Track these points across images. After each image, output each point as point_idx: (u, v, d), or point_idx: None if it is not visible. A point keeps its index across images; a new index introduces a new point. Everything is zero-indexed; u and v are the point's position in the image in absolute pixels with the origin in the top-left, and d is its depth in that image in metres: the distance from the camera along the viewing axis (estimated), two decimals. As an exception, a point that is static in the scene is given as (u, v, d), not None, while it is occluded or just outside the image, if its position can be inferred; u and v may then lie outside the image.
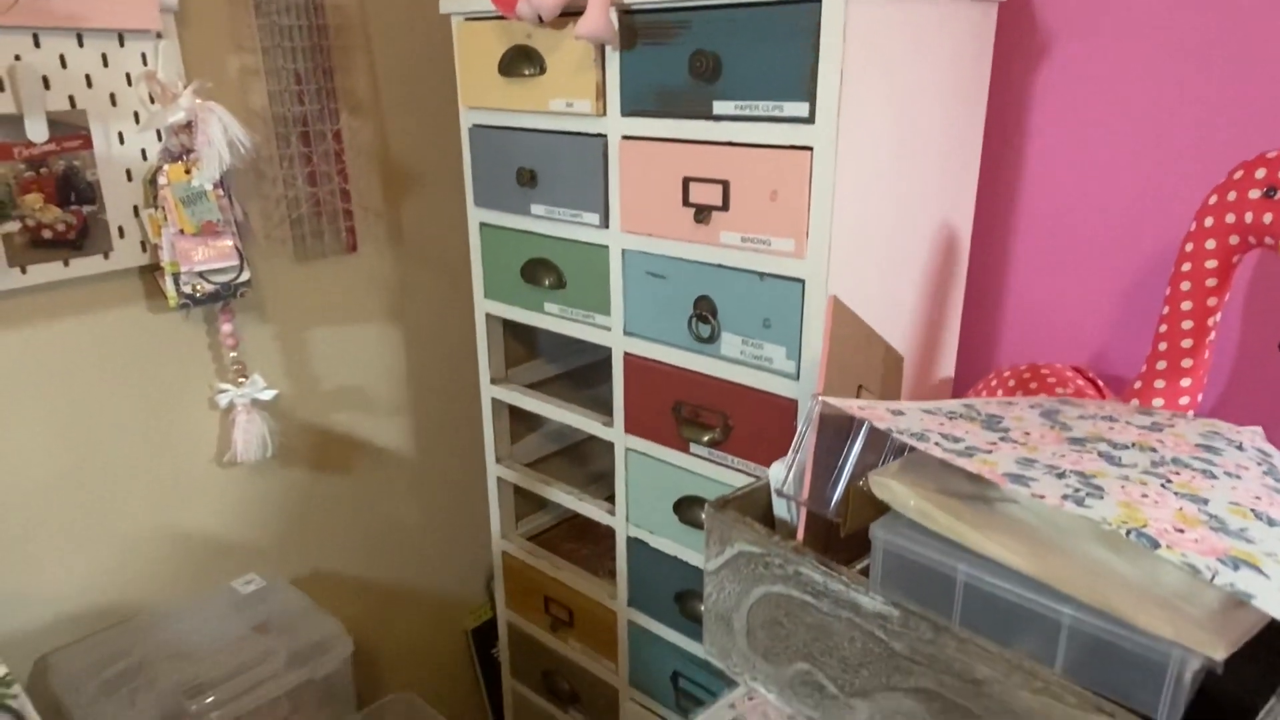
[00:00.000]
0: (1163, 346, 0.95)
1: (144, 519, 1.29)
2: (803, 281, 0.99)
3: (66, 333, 1.17)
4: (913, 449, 0.77)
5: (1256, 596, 0.50)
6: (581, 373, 1.58)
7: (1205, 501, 0.60)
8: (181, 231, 1.17)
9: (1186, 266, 0.93)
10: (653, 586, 1.30)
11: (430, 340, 1.61)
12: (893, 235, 1.04)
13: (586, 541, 1.58)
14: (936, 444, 0.66)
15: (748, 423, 1.09)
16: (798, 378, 1.01)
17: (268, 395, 1.33)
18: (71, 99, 1.10)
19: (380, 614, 1.68)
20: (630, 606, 1.36)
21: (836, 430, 0.79)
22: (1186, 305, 0.93)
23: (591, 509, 1.37)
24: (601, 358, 1.60)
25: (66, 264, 1.14)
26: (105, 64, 1.12)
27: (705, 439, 1.14)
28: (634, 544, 1.31)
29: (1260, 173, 0.86)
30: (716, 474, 1.14)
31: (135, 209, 1.18)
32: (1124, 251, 1.13)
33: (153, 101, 1.17)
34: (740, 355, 1.07)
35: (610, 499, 1.34)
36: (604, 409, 1.30)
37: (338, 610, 1.40)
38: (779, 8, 0.92)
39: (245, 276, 1.24)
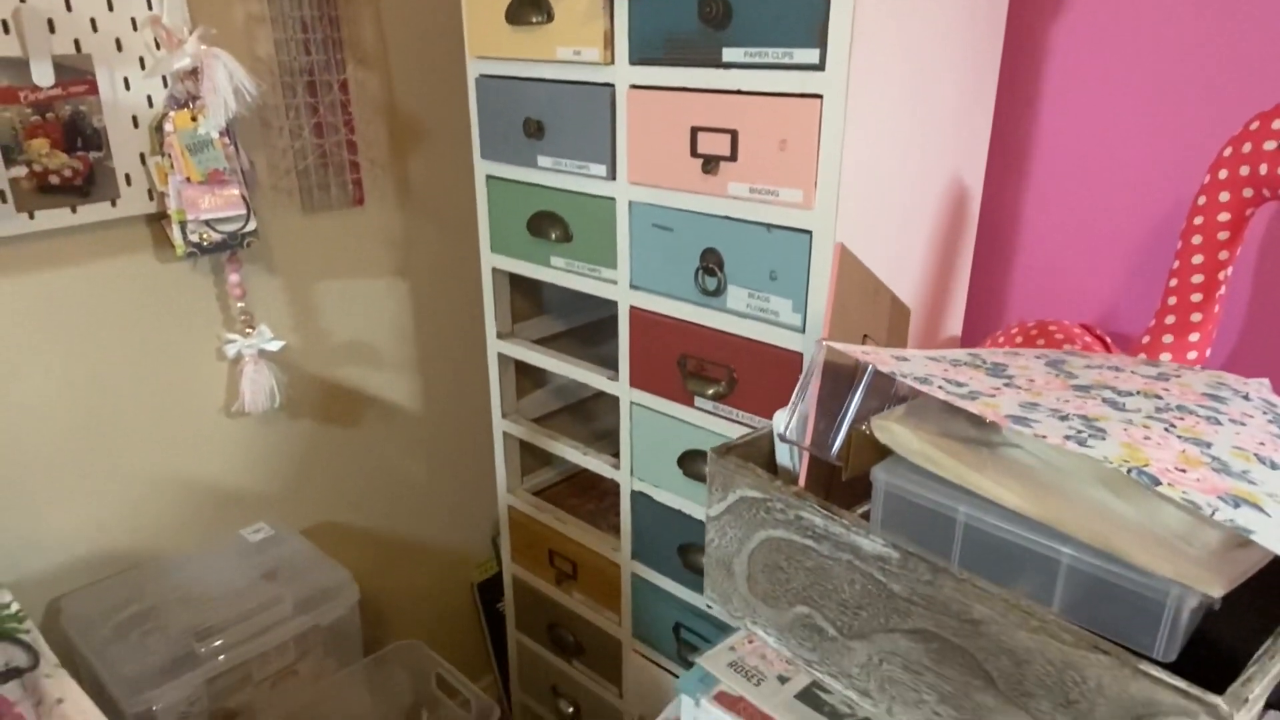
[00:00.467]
0: (1172, 300, 0.95)
1: (153, 467, 1.31)
2: (810, 233, 0.98)
3: (75, 280, 1.17)
4: (915, 397, 0.77)
5: (1256, 532, 0.50)
6: (588, 330, 1.58)
7: (1208, 445, 0.60)
8: (188, 179, 1.17)
9: (1198, 220, 0.92)
10: (656, 540, 1.31)
11: (437, 295, 1.61)
12: (902, 188, 1.03)
13: (591, 497, 1.59)
14: (940, 387, 0.66)
15: (753, 376, 1.09)
16: (803, 331, 1.01)
17: (275, 346, 1.34)
18: (76, 43, 1.10)
19: (387, 566, 1.70)
20: (634, 559, 1.37)
21: (839, 378, 0.79)
22: (1197, 259, 0.92)
23: (596, 463, 1.37)
24: (608, 315, 1.60)
25: (74, 210, 1.14)
26: (110, 8, 1.12)
27: (710, 392, 1.14)
28: (638, 498, 1.32)
29: (1277, 123, 0.85)
30: (721, 428, 1.14)
31: (142, 157, 1.18)
32: (1136, 209, 1.12)
33: (158, 47, 1.16)
34: (746, 308, 1.07)
35: (615, 455, 1.34)
36: (610, 366, 1.30)
37: (345, 561, 1.42)
38: (790, -49, 0.90)
39: (252, 226, 1.24)
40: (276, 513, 1.47)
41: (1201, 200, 0.91)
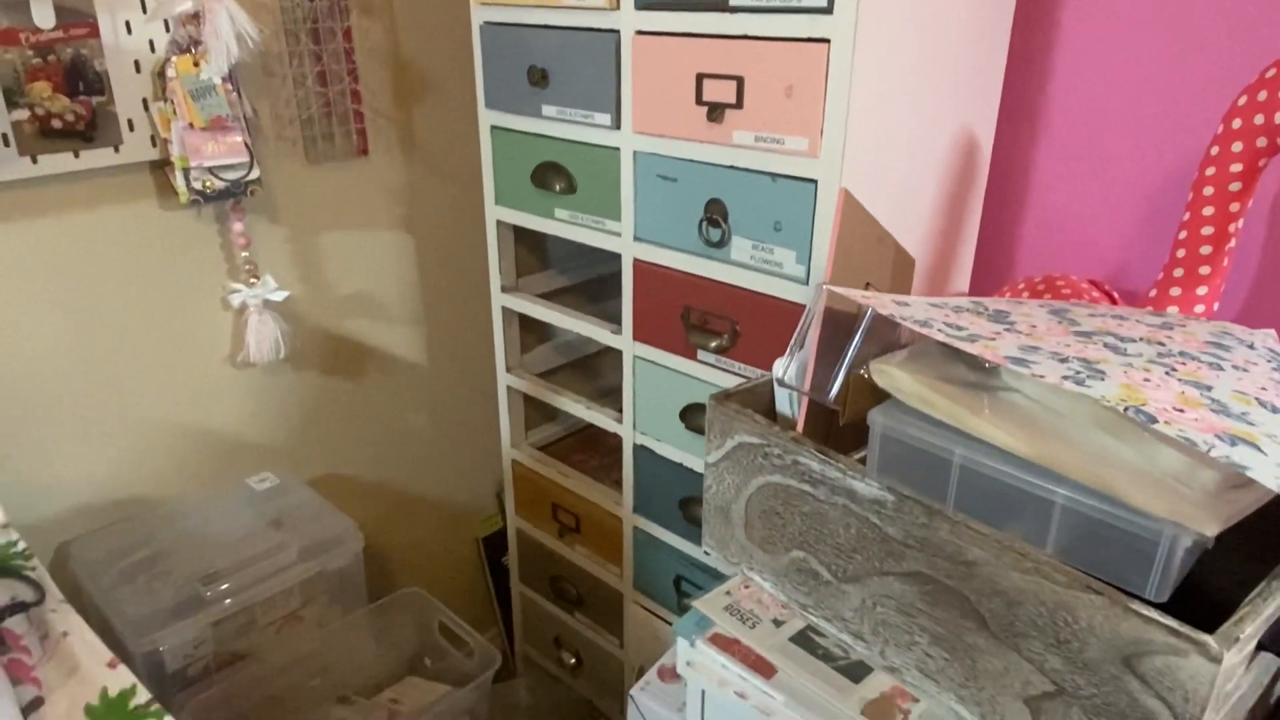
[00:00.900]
0: (1181, 254, 0.93)
1: (160, 414, 1.31)
2: (815, 182, 0.97)
3: (79, 226, 1.17)
4: (915, 344, 0.76)
5: (1252, 469, 0.49)
6: (592, 285, 1.57)
7: (1209, 388, 0.59)
8: (191, 126, 1.17)
9: (1210, 171, 0.90)
10: (657, 493, 1.32)
11: (441, 248, 1.60)
12: (910, 138, 1.01)
13: (595, 453, 1.60)
14: (939, 330, 0.66)
15: (755, 329, 1.08)
16: (807, 282, 1.00)
17: (279, 296, 1.34)
18: (77, -15, 1.09)
19: (392, 520, 1.72)
20: (635, 513, 1.37)
21: (839, 325, 0.78)
22: (1208, 211, 0.91)
23: (599, 417, 1.38)
24: (612, 271, 1.59)
25: (77, 155, 1.13)
26: (111, -51, 1.10)
27: (713, 345, 1.14)
28: (640, 451, 1.32)
29: (1294, 70, 0.83)
30: (723, 381, 1.14)
31: (144, 102, 1.17)
32: (1148, 165, 1.10)
33: (160, -9, 1.15)
34: (750, 260, 1.06)
35: (619, 410, 1.34)
36: (614, 321, 1.29)
37: (350, 513, 1.43)
38: (799, -111, 0.88)
39: (255, 174, 1.24)
40: (282, 463, 1.49)
41: (1214, 150, 0.90)
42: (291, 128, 1.34)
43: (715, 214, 1.07)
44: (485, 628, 1.95)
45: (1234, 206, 0.90)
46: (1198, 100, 1.04)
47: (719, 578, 1.27)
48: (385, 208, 1.50)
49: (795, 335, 0.76)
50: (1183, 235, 0.93)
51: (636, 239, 1.19)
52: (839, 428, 0.80)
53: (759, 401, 0.84)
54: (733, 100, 1.00)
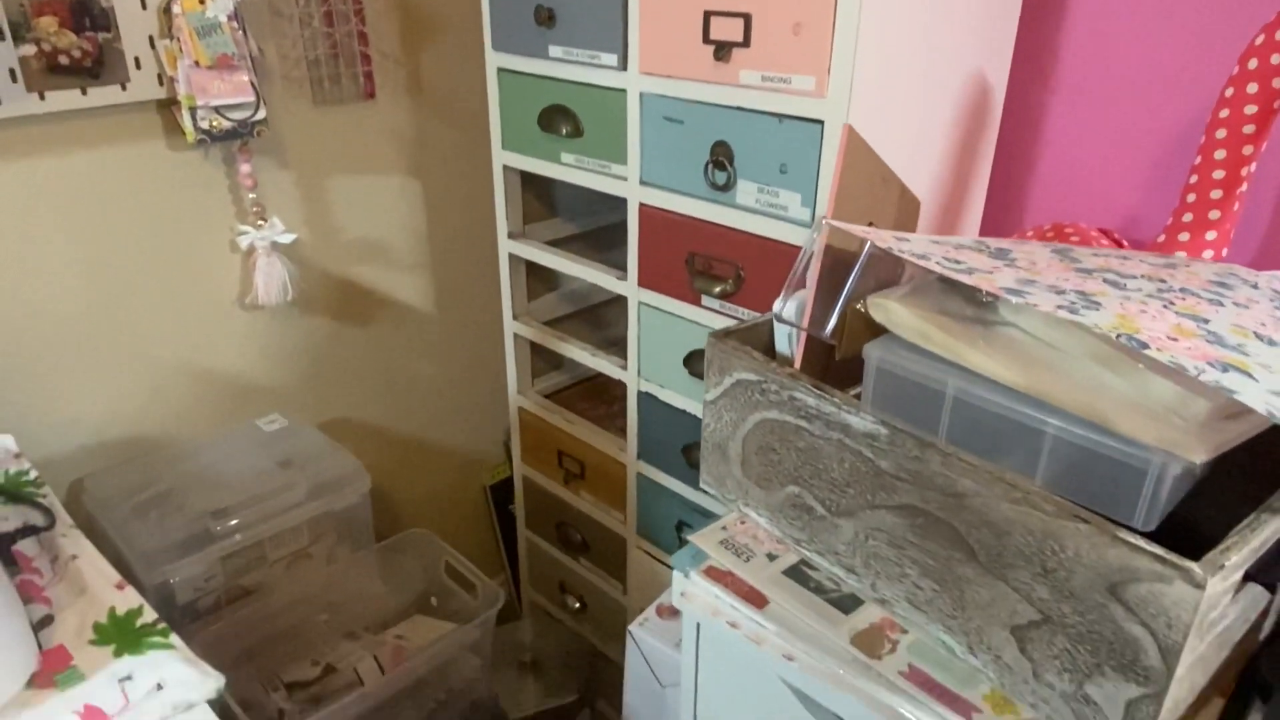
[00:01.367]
0: (1191, 198, 0.92)
1: (170, 354, 1.33)
2: (822, 123, 0.96)
3: (87, 164, 1.18)
4: (914, 280, 0.76)
5: (1240, 393, 0.49)
6: (599, 233, 1.57)
7: (1206, 321, 0.59)
8: (197, 64, 1.16)
9: (1224, 113, 0.89)
10: (661, 440, 1.32)
11: (449, 194, 1.60)
12: (920, 81, 1.00)
13: (600, 402, 1.60)
14: (938, 263, 0.65)
15: (759, 274, 1.08)
16: (812, 225, 1.00)
17: (287, 239, 1.34)
18: (82, -82, 1.08)
19: (401, 466, 1.74)
20: (639, 460, 1.38)
21: (839, 265, 0.78)
22: (1220, 154, 0.89)
23: (604, 364, 1.38)
24: (620, 219, 1.58)
25: (84, 93, 1.14)
26: (115, -118, 1.09)
27: (717, 291, 1.13)
28: (644, 398, 1.33)
29: (1313, 6, 0.81)
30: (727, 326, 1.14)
31: (151, 40, 1.17)
32: (1163, 113, 1.08)
33: (164, -75, 1.14)
34: (755, 204, 1.06)
35: (624, 358, 1.35)
36: (620, 269, 1.29)
37: (358, 458, 1.44)
38: None
39: (261, 114, 1.24)
40: (291, 407, 1.50)
41: (1229, 92, 0.88)
42: (298, 69, 1.33)
43: (721, 156, 1.07)
44: (493, 574, 1.98)
45: (1247, 149, 0.88)
46: (1214, 46, 1.02)
47: (720, 523, 1.28)
48: (392, 152, 1.49)
49: (793, 271, 0.75)
50: (1193, 179, 0.92)
51: (642, 183, 1.18)
52: (836, 366, 0.80)
53: (758, 340, 0.84)
54: (740, 38, 0.99)
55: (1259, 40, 0.85)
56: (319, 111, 1.38)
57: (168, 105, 1.22)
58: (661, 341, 1.25)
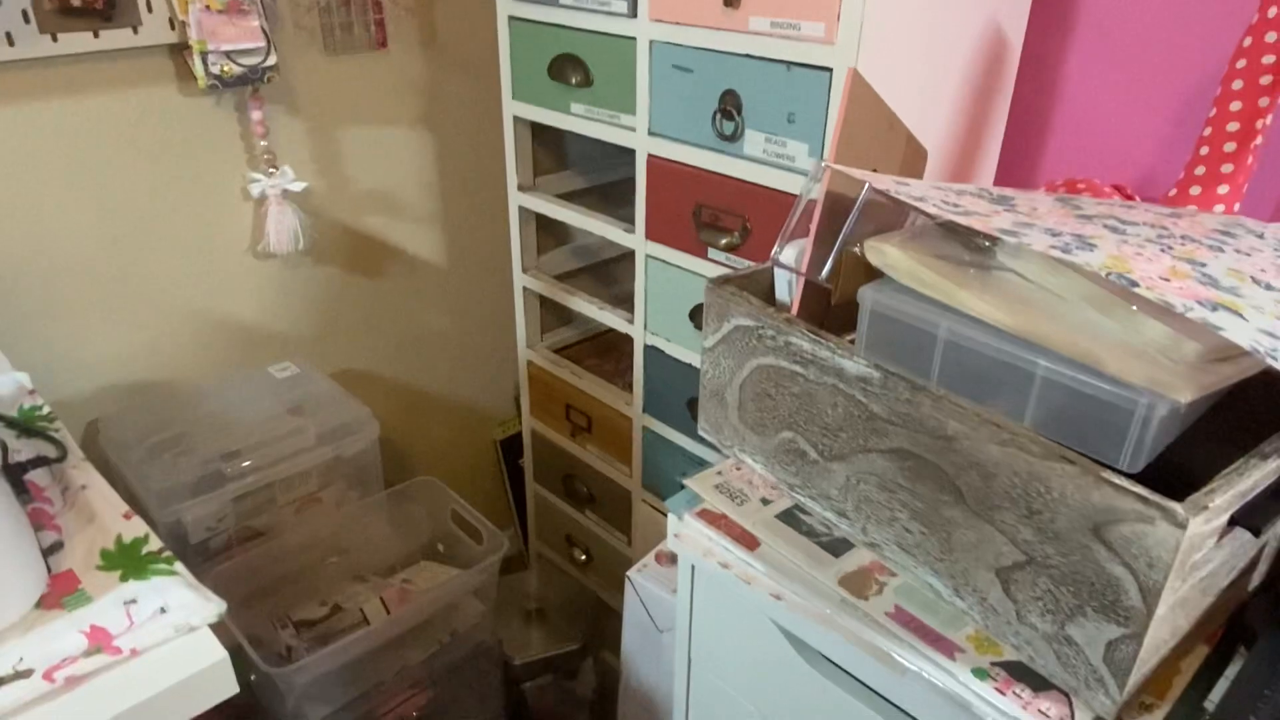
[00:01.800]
0: (1204, 151, 0.90)
1: (184, 301, 1.35)
2: (830, 71, 0.95)
3: (100, 108, 1.19)
4: (913, 225, 0.75)
5: (1227, 329, 0.49)
6: (609, 189, 1.56)
7: (1203, 265, 0.58)
8: (208, 8, 1.16)
9: (1241, 63, 0.87)
10: (666, 393, 1.33)
11: (460, 146, 1.60)
12: (933, 29, 0.98)
13: (610, 358, 1.61)
14: (935, 205, 0.65)
15: (766, 226, 1.07)
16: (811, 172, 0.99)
17: (298, 187, 1.35)
18: None
19: (412, 419, 1.76)
20: (645, 413, 1.39)
21: (838, 209, 0.77)
22: (1235, 106, 0.88)
23: (611, 317, 1.39)
24: (629, 175, 1.58)
25: (96, 35, 1.14)
26: None
27: (723, 243, 1.13)
28: (650, 352, 1.33)
29: (1337, -49, 0.78)
30: (731, 276, 1.14)
31: (162, -17, 1.17)
32: (1182, 69, 1.06)
33: None
34: (763, 154, 1.05)
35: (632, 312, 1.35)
36: (629, 224, 1.29)
37: (369, 408, 1.46)
38: None
39: (272, 60, 1.24)
40: (302, 355, 1.52)
41: (1247, 42, 0.86)
42: (310, 16, 1.33)
43: (729, 106, 1.06)
44: (503, 527, 2.01)
45: (1263, 101, 0.86)
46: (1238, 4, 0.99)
47: (723, 476, 1.29)
48: (403, 103, 1.49)
49: (790, 216, 0.75)
50: (1207, 132, 0.90)
51: (651, 133, 1.17)
52: (833, 313, 0.80)
53: (757, 288, 0.84)
54: (749, -17, 0.97)
55: (1280, -13, 0.83)
56: (330, 60, 1.38)
57: (179, 50, 1.22)
58: (668, 295, 1.25)
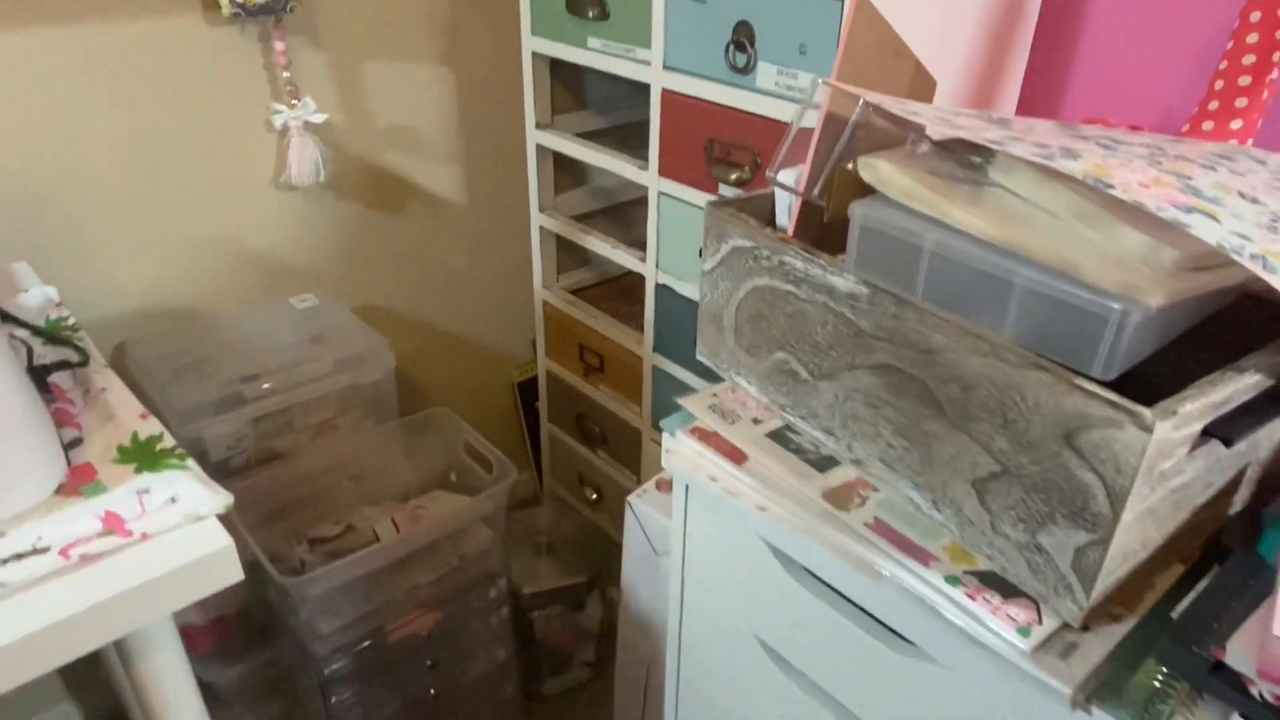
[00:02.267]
0: (1218, 85, 0.89)
1: (207, 229, 1.38)
2: (842, 0, 0.94)
3: (125, 34, 1.21)
4: (908, 145, 0.76)
5: (1195, 227, 0.49)
6: (627, 130, 1.56)
7: (1190, 179, 0.58)
8: (231, -65, 1.18)
9: (1262, -7, 0.85)
10: (676, 332, 1.34)
11: (480, 84, 1.61)
12: (946, -43, 0.97)
13: (625, 301, 1.62)
14: (928, 119, 0.65)
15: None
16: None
17: (319, 118, 1.37)
18: None
19: (431, 358, 1.79)
20: (655, 352, 1.41)
21: (835, 129, 0.78)
22: (1252, 38, 0.86)
23: (624, 256, 1.40)
24: (646, 117, 1.58)
25: (123, -39, 1.16)
26: None
27: (733, 178, 1.14)
28: (662, 290, 1.34)
29: (1363, -127, 0.76)
30: (740, 211, 1.14)
31: (187, -89, 1.19)
32: (1210, 9, 1.03)
33: None
34: (775, 86, 1.05)
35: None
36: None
37: (391, 347, 1.49)
38: None
39: (294, -11, 1.25)
40: (323, 289, 1.55)
41: (1268, -30, 0.84)
42: (333, -52, 1.34)
43: (742, 37, 1.06)
44: (521, 468, 2.05)
45: (1281, 33, 0.84)
46: (1268, -75, 0.97)
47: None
48: (425, 38, 1.50)
49: (786, 134, 0.76)
50: (1223, 65, 0.88)
51: (665, 68, 1.18)
52: (830, 237, 0.80)
53: (757, 210, 0.85)
54: (762, -90, 0.97)
55: (1304, -86, 0.81)
56: (353, -7, 1.39)
57: (204, -22, 1.24)
58: (680, 233, 1.26)
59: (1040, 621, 0.62)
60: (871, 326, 0.70)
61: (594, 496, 1.70)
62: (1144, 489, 0.56)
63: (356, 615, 1.24)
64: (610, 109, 1.56)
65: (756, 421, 0.83)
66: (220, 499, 0.75)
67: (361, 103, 1.47)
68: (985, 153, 0.68)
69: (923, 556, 0.67)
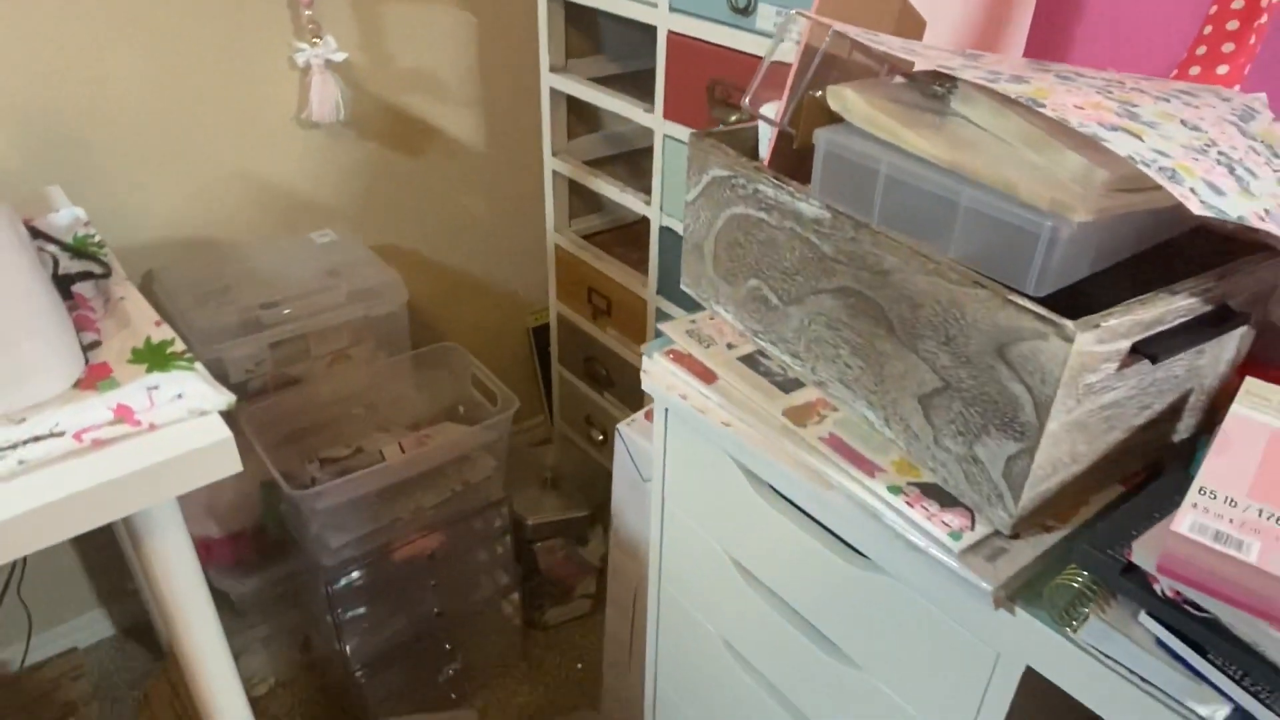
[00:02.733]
0: (1207, 30, 0.89)
1: (231, 163, 1.44)
2: (837, -59, 0.96)
3: (156, -31, 1.26)
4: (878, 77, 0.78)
5: (1109, 141, 0.51)
6: (640, 76, 1.59)
7: (1134, 105, 0.60)
8: (255, -127, 1.22)
9: (1253, -64, 0.85)
10: (679, 275, 1.38)
11: (499, 28, 1.64)
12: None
13: (634, 248, 1.66)
14: (889, 48, 0.67)
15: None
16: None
17: (339, 57, 1.42)
18: None
19: (447, 300, 1.84)
20: (659, 295, 1.44)
21: (808, 59, 0.80)
22: (1242, -19, 0.86)
23: (629, 199, 1.43)
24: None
25: (152, -103, 1.21)
26: None
27: (733, 119, 1.16)
28: (665, 233, 1.38)
29: None
30: (738, 153, 1.17)
31: None
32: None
33: None
34: (773, 28, 1.07)
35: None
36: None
37: (406, 286, 1.54)
38: None
39: (315, -71, 1.29)
40: (342, 226, 1.61)
41: (1261, -87, 0.84)
42: (355, -111, 1.37)
43: (743, -21, 1.08)
44: (533, 412, 2.10)
45: (1271, -24, 0.84)
46: None
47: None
48: (446, -18, 1.53)
49: (760, 65, 0.78)
50: (1213, 10, 0.89)
51: (671, 9, 1.20)
52: (806, 169, 0.83)
53: (739, 143, 0.88)
54: None
55: None
56: (374, -66, 1.42)
57: (230, -84, 1.28)
58: (684, 175, 1.29)
59: (973, 528, 0.65)
60: (833, 250, 0.73)
61: (600, 438, 1.75)
62: (1069, 400, 0.59)
63: (364, 531, 1.31)
64: (625, 56, 1.58)
65: (730, 346, 0.86)
66: (223, 397, 0.81)
67: (382, 43, 1.51)
68: (948, 83, 0.70)
69: (869, 468, 0.71)
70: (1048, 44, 1.21)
